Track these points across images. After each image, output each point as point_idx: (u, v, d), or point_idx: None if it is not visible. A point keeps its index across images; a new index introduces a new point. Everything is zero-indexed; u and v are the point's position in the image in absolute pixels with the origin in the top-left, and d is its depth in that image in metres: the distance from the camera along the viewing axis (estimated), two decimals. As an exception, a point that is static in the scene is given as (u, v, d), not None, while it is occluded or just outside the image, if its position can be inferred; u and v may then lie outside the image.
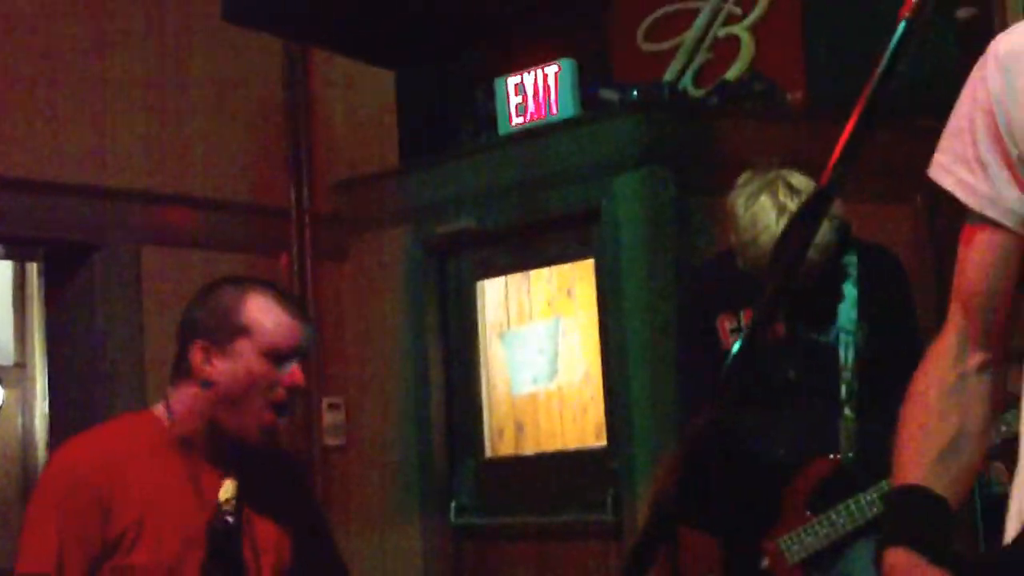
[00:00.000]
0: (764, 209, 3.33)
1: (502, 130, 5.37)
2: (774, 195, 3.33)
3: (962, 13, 5.22)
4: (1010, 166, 1.68)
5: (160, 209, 5.36)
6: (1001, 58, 1.68)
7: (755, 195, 3.40)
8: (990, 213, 1.71)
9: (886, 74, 1.36)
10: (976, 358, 1.77)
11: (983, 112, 1.69)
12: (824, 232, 3.34)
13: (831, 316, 3.48)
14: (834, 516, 3.38)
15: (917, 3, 1.36)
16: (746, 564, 3.51)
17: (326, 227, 5.82)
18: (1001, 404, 1.80)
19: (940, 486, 1.74)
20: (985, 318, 1.76)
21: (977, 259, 1.75)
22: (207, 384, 2.46)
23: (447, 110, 5.91)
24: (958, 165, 1.72)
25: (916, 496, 1.73)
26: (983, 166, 1.70)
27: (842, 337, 3.45)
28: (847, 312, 3.47)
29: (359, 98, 5.99)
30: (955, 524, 1.78)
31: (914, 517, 1.73)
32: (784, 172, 3.42)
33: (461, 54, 5.84)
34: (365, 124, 5.98)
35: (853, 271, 3.50)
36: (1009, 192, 1.68)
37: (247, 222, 5.60)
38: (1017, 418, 1.79)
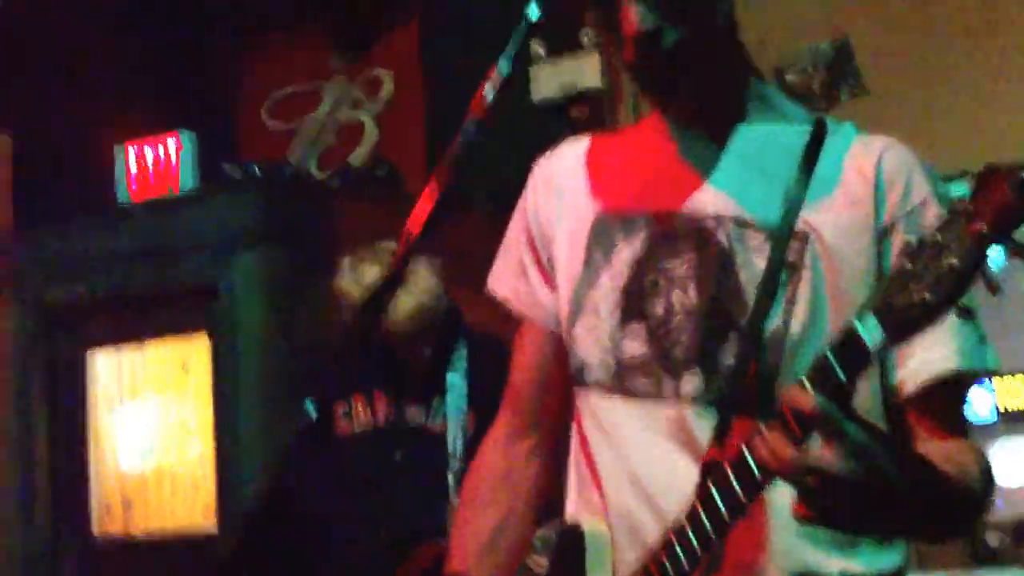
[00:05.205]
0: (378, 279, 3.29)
1: (120, 198, 5.29)
2: (386, 266, 3.31)
3: (575, 113, 5.51)
4: (542, 271, 1.87)
5: None
6: (537, 179, 1.91)
7: (367, 270, 3.44)
8: (529, 314, 1.89)
9: (456, 162, 1.55)
10: (525, 445, 1.93)
11: (524, 225, 1.90)
12: (420, 295, 3.44)
13: (439, 402, 3.51)
14: None
15: (487, 107, 1.56)
16: None
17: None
18: (551, 484, 1.93)
19: (483, 573, 1.89)
20: (533, 407, 1.92)
21: (524, 355, 1.93)
22: None
23: (63, 175, 5.73)
24: (508, 274, 1.92)
25: None
26: (525, 273, 1.89)
27: (451, 427, 3.47)
28: (456, 402, 3.48)
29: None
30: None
31: None
32: (389, 245, 3.47)
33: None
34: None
35: (462, 364, 3.52)
36: (542, 292, 1.87)
37: None
38: None
